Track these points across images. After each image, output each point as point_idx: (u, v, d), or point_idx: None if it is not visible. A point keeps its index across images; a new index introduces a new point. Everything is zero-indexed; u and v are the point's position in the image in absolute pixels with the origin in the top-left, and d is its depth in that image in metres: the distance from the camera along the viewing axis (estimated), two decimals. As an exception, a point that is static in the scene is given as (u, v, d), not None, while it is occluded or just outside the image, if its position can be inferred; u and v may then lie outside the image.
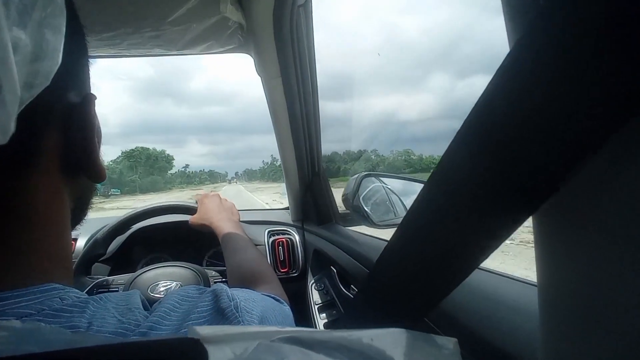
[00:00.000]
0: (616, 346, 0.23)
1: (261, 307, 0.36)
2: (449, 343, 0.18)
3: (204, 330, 0.16)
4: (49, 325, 0.22)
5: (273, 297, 0.42)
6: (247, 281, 0.61)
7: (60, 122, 0.30)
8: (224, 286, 0.36)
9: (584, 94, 0.18)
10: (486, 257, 0.28)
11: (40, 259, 0.29)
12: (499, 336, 0.39)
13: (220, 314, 0.32)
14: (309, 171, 1.13)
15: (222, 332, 0.16)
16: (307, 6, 0.75)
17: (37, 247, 0.28)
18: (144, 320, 0.29)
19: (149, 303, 0.35)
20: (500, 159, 0.24)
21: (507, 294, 0.44)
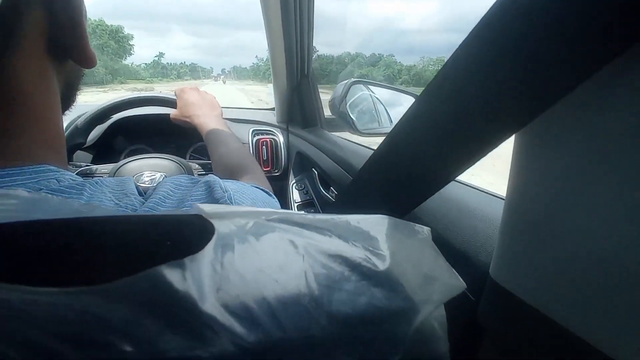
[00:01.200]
0: (562, 262, 0.26)
1: (251, 199, 0.38)
2: (424, 230, 0.20)
3: (207, 208, 0.17)
4: (56, 196, 0.23)
5: (263, 190, 0.44)
6: (232, 172, 0.62)
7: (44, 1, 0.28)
8: (216, 177, 0.37)
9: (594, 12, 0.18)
10: (464, 170, 0.30)
11: (32, 141, 0.29)
12: (460, 239, 0.43)
13: (215, 204, 0.33)
14: (298, 72, 1.10)
15: (222, 210, 0.18)
16: None
17: (28, 129, 0.28)
18: (140, 205, 0.30)
19: None
20: (495, 77, 0.24)
21: (474, 204, 0.47)
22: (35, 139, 0.29)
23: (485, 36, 0.24)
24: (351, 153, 0.91)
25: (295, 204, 1.09)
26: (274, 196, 0.46)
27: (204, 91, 0.90)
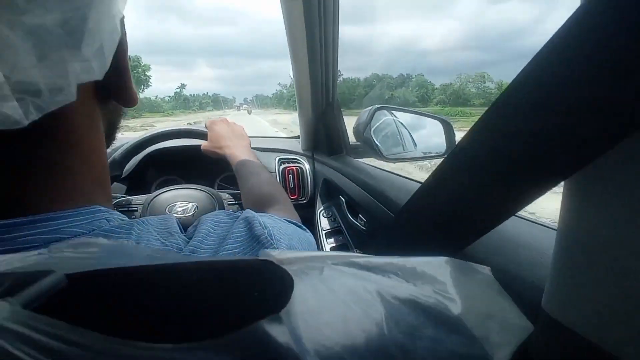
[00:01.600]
0: (617, 297, 0.25)
1: (288, 234, 0.38)
2: (485, 270, 0.21)
3: (275, 254, 0.18)
4: (129, 242, 0.25)
5: (296, 224, 0.45)
6: (262, 203, 0.63)
7: None
8: (254, 213, 0.38)
9: None
10: (528, 203, 0.29)
11: (83, 182, 0.30)
12: (510, 267, 0.41)
13: (256, 240, 0.34)
14: (323, 100, 1.12)
15: (289, 255, 0.18)
16: None
17: (79, 170, 0.29)
18: (184, 244, 0.31)
19: None
20: (553, 117, 0.24)
21: (522, 233, 0.46)
22: (87, 178, 0.30)
23: (556, 57, 0.24)
24: (378, 180, 0.92)
25: (324, 232, 1.09)
26: (306, 229, 0.47)
27: (233, 122, 0.93)
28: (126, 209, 0.93)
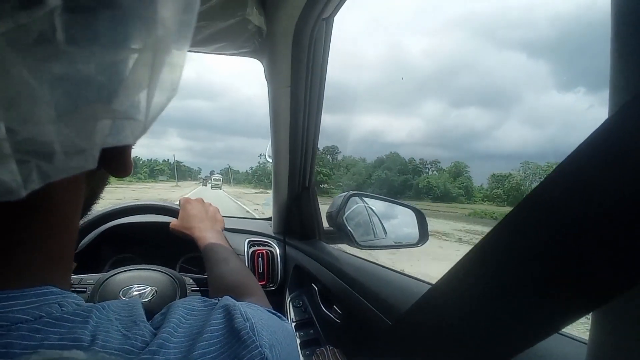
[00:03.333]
0: None
1: (271, 328, 0.34)
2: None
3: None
4: (109, 356, 0.19)
5: (277, 315, 0.41)
6: (233, 292, 0.59)
7: None
8: (234, 301, 0.34)
9: None
10: (559, 329, 0.27)
11: (42, 254, 0.25)
12: None
13: (235, 336, 0.30)
14: (299, 185, 1.12)
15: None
16: (329, 20, 0.75)
17: (43, 239, 0.25)
18: (151, 336, 0.27)
19: None
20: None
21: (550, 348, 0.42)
22: (46, 252, 0.26)
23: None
24: (355, 268, 0.88)
25: (293, 324, 1.00)
26: (286, 320, 0.43)
27: (208, 203, 0.90)
28: (72, 289, 0.82)
